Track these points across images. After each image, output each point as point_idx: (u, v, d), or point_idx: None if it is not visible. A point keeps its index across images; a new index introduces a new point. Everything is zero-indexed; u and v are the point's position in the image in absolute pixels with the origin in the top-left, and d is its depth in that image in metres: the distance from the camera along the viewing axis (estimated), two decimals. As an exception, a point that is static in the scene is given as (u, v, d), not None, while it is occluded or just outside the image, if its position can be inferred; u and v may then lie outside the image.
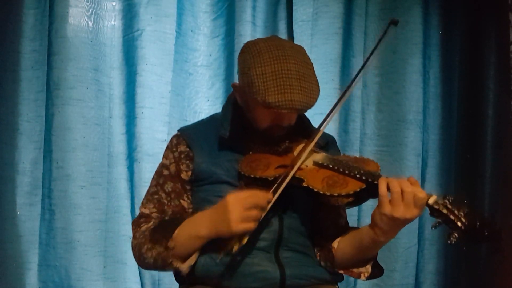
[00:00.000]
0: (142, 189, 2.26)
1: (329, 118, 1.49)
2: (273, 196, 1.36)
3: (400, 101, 2.61)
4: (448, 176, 2.67)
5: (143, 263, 1.48)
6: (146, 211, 1.53)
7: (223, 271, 1.42)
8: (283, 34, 2.48)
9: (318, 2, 2.55)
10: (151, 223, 1.49)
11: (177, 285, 1.56)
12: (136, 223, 1.52)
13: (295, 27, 2.53)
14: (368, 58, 1.55)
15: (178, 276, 1.54)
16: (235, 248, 1.35)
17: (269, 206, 1.36)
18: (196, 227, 1.40)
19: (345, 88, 1.56)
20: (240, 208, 1.32)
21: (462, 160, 2.65)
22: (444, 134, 2.68)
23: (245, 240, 1.35)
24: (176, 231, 1.41)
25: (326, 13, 2.54)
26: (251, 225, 1.33)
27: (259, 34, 2.43)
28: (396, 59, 2.62)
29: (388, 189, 1.33)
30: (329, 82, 2.49)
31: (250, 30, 2.40)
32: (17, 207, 2.23)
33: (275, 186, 1.37)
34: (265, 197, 1.34)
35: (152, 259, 1.44)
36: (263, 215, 1.35)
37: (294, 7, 2.52)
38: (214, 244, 1.39)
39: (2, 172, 2.19)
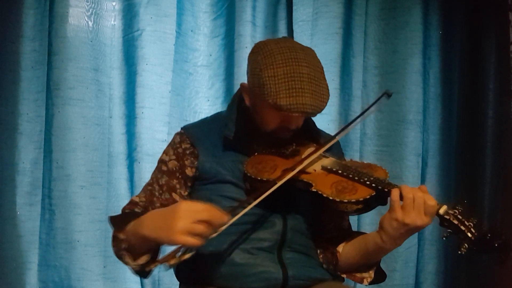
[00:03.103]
0: (142, 189, 2.26)
1: (347, 129, 1.51)
2: (229, 219, 1.28)
3: (400, 101, 2.61)
4: (448, 176, 2.67)
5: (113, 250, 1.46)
6: (136, 199, 1.52)
7: (225, 271, 1.42)
8: (283, 34, 2.48)
9: (318, 2, 2.55)
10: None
11: (177, 285, 1.57)
12: (123, 209, 1.51)
13: (295, 27, 2.53)
14: (357, 118, 1.57)
15: (179, 275, 1.54)
16: (172, 262, 1.25)
17: (222, 228, 1.27)
18: (141, 225, 1.33)
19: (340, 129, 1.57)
20: (190, 219, 1.22)
21: (462, 160, 2.65)
22: (444, 134, 2.68)
23: (185, 257, 1.25)
24: (130, 224, 1.37)
25: (326, 13, 2.54)
26: (194, 241, 1.22)
27: (259, 34, 2.43)
28: (396, 59, 2.62)
29: (400, 196, 1.33)
30: (329, 82, 2.40)
31: (250, 30, 2.40)
32: (17, 207, 2.23)
33: (242, 201, 1.34)
34: (221, 217, 1.26)
35: (114, 248, 1.42)
36: (211, 235, 1.25)
37: (294, 7, 2.52)
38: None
39: (2, 172, 2.19)
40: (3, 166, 2.20)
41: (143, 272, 1.42)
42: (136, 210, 1.49)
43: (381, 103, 1.54)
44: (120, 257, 1.42)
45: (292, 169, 1.40)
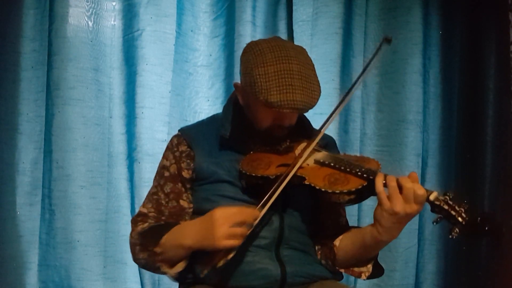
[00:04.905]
0: (142, 189, 2.26)
1: (330, 119, 1.50)
2: (260, 212, 1.36)
3: (400, 101, 2.61)
4: (448, 176, 2.67)
5: (137, 261, 1.53)
6: (144, 210, 1.55)
7: (223, 270, 1.42)
8: (283, 34, 2.49)
9: (318, 2, 2.55)
10: (146, 224, 1.51)
11: (177, 285, 1.57)
12: (134, 221, 1.54)
13: (295, 27, 2.53)
14: (362, 72, 1.58)
15: (178, 275, 1.54)
16: (220, 263, 1.36)
17: (256, 222, 1.37)
18: (182, 236, 1.41)
19: (345, 94, 1.57)
20: (226, 225, 1.32)
21: (462, 160, 2.65)
22: (444, 134, 2.68)
23: (230, 256, 1.35)
24: (164, 237, 1.43)
25: (326, 13, 2.54)
26: (235, 242, 1.33)
27: (259, 34, 2.43)
28: (396, 59, 2.62)
29: (386, 186, 1.33)
30: (329, 82, 2.49)
31: (250, 30, 2.40)
32: (17, 207, 2.23)
33: (269, 192, 1.38)
34: (252, 215, 1.35)
35: (143, 260, 1.49)
36: (248, 232, 1.35)
37: (294, 7, 2.52)
38: (201, 256, 1.40)
39: (2, 172, 2.20)
40: (3, 166, 2.20)
41: (175, 277, 1.48)
42: (149, 221, 1.52)
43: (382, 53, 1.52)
44: (156, 268, 1.46)
45: (293, 164, 1.41)
